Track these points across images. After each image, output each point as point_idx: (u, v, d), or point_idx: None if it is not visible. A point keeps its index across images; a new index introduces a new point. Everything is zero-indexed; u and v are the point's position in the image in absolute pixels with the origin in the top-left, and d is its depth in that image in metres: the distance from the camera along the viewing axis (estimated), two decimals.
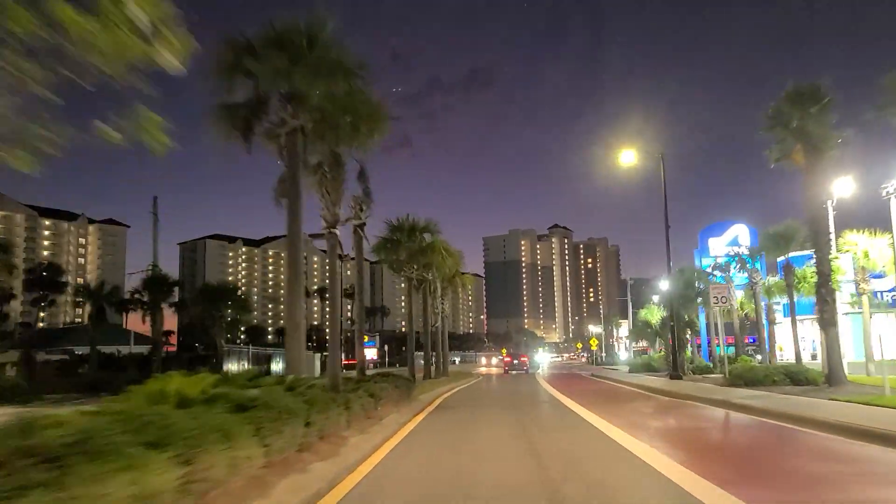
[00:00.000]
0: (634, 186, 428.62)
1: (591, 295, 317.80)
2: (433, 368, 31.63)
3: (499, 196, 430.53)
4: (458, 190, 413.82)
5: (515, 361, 49.56)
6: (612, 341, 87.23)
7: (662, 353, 40.08)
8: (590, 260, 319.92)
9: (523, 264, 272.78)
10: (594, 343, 65.25)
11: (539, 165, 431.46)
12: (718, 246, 39.37)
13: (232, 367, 32.84)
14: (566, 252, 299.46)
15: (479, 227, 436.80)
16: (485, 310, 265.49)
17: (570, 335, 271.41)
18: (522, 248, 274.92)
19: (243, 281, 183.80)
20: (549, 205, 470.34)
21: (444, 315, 36.63)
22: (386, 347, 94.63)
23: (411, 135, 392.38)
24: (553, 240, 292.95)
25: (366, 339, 77.42)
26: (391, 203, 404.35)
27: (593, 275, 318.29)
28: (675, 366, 24.54)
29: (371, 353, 77.49)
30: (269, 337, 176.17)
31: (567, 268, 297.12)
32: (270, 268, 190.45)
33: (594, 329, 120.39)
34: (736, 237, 38.88)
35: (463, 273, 36.42)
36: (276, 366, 41.10)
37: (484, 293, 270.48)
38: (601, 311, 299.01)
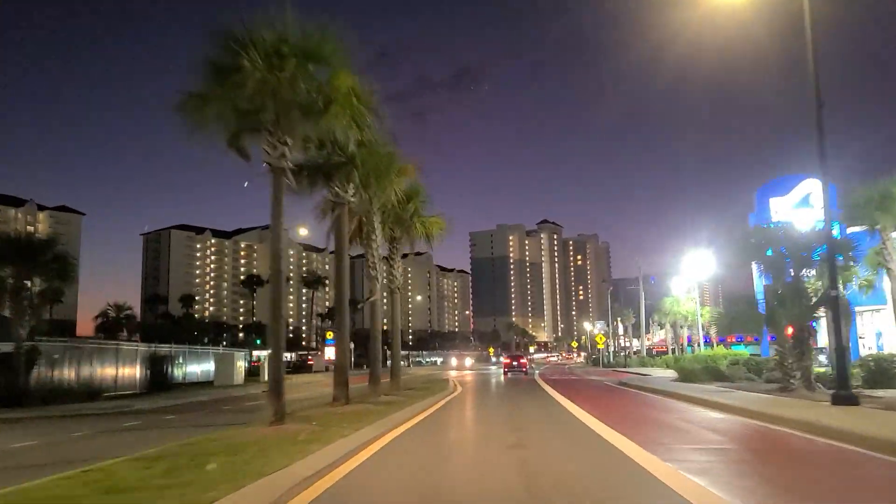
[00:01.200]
0: (627, 181, 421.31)
1: (581, 293, 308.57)
2: (378, 377, 19.38)
3: (487, 191, 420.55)
4: (445, 187, 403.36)
5: (515, 364, 45.98)
6: (622, 338, 77.00)
7: (747, 352, 29.45)
8: (579, 257, 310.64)
9: (511, 260, 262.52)
10: (601, 340, 54.80)
11: (529, 160, 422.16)
12: (783, 208, 29.14)
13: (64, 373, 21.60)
14: (555, 248, 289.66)
15: (466, 223, 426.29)
16: (471, 307, 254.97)
17: (560, 334, 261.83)
18: (510, 243, 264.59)
19: (212, 275, 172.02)
20: (538, 200, 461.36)
21: (398, 286, 25.29)
22: (357, 345, 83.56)
23: (399, 133, 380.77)
24: (542, 235, 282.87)
25: (329, 335, 66.15)
26: None
27: (583, 272, 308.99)
28: (841, 376, 12.50)
29: (330, 353, 66.52)
30: (241, 335, 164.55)
31: (556, 265, 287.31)
32: (243, 260, 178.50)
33: (593, 326, 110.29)
34: (807, 196, 28.66)
35: (430, 216, 23.57)
36: (179, 370, 29.94)
37: (470, 291, 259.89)
38: (590, 309, 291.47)
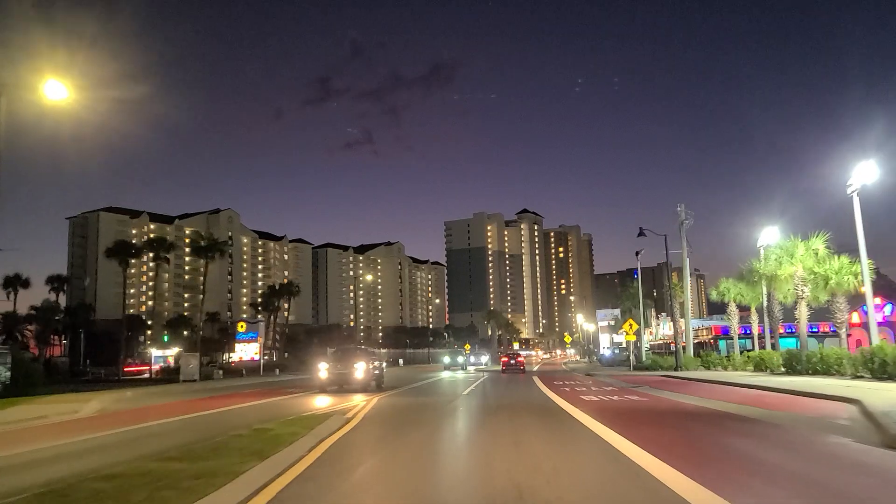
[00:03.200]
0: (609, 172, 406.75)
1: (563, 287, 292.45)
2: None
3: (463, 179, 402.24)
4: (420, 176, 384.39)
5: (512, 362, 47.30)
6: (659, 326, 59.36)
7: None
8: (561, 249, 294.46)
9: (490, 252, 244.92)
10: (631, 331, 36.46)
11: (507, 148, 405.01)
12: None
13: None
14: (536, 239, 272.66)
15: (441, 212, 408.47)
16: (446, 301, 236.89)
17: (542, 330, 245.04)
18: (489, 233, 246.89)
19: (150, 265, 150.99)
20: (517, 192, 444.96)
21: None
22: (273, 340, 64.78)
23: (373, 130, 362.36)
24: (522, 226, 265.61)
25: (241, 327, 47.19)
26: (355, 197, 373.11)
27: (564, 265, 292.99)
28: None
29: (252, 350, 47.84)
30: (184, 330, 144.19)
31: (537, 257, 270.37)
32: (187, 249, 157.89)
33: (592, 321, 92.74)
34: None
35: None
36: None
37: (446, 284, 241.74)
38: (572, 304, 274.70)
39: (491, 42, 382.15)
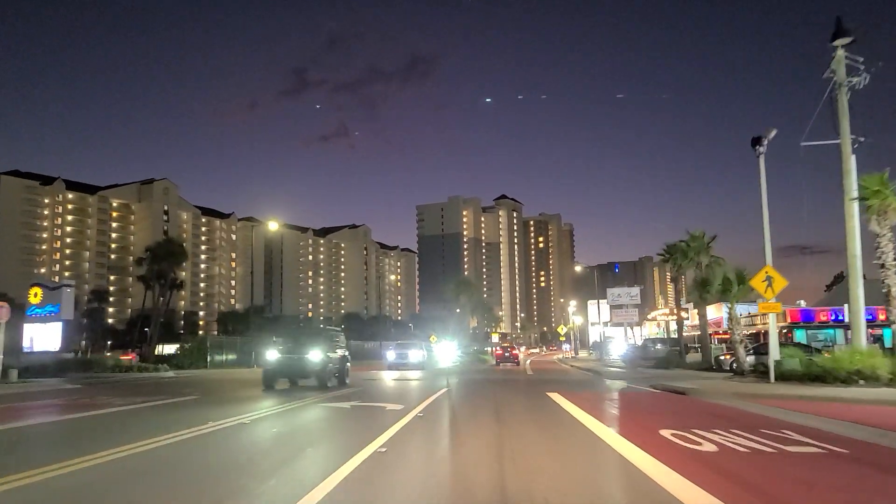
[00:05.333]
0: (591, 163, 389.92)
1: (543, 279, 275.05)
2: None
3: (439, 167, 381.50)
4: (394, 165, 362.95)
5: (506, 354, 45.93)
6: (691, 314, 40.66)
7: None
8: (541, 239, 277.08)
9: (465, 238, 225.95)
10: (773, 288, 18.26)
11: (486, 140, 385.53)
12: None
13: None
14: (515, 227, 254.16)
15: (413, 195, 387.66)
16: (417, 291, 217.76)
17: (520, 323, 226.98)
18: (465, 219, 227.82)
19: (69, 240, 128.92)
20: (495, 179, 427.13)
21: None
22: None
23: (350, 122, 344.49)
24: (500, 212, 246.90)
25: (34, 296, 27.54)
26: (329, 185, 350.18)
27: (544, 256, 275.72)
28: None
29: (50, 335, 27.74)
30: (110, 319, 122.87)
31: (516, 246, 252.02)
32: (114, 224, 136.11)
33: (591, 312, 73.68)
34: None
35: None
36: None
37: (417, 272, 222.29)
38: (552, 297, 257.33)
39: (470, 33, 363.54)
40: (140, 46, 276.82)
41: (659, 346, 37.59)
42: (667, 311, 44.80)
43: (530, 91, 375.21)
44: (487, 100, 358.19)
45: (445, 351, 48.45)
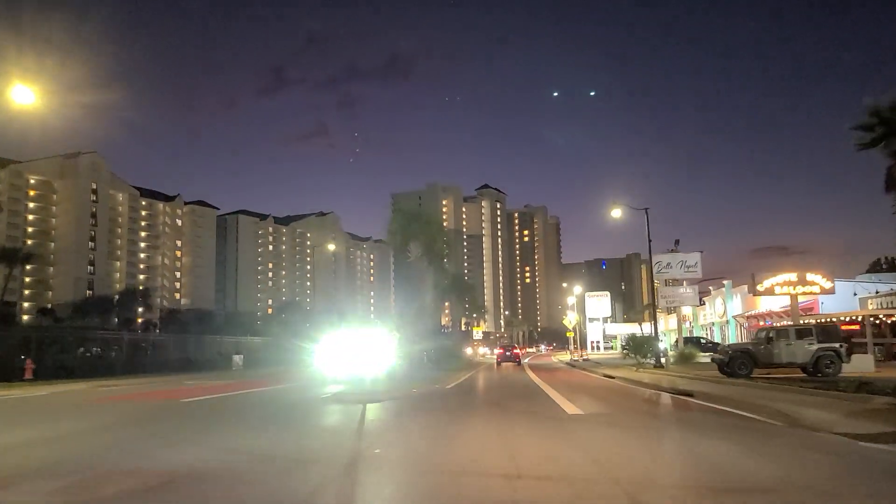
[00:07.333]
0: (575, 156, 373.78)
1: (528, 275, 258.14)
2: None
3: (419, 161, 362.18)
4: (372, 158, 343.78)
5: (508, 353, 46.47)
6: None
7: None
8: (525, 233, 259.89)
9: (445, 230, 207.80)
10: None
11: (465, 122, 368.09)
12: None
13: None
14: (499, 219, 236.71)
15: (388, 183, 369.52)
16: (392, 286, 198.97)
17: (503, 321, 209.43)
18: (444, 208, 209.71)
19: None
20: (477, 170, 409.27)
21: None
22: None
23: (328, 121, 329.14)
24: (483, 203, 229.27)
25: None
26: (303, 176, 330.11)
27: (529, 251, 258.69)
28: None
29: None
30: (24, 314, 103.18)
31: (500, 239, 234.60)
32: (31, 204, 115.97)
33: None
34: None
35: None
36: None
37: (392, 265, 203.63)
38: (538, 295, 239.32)
39: (449, 31, 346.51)
40: (116, 43, 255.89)
41: (792, 339, 20.01)
42: (790, 276, 26.85)
43: (530, 91, 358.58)
44: (457, 98, 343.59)
45: (373, 354, 29.03)
